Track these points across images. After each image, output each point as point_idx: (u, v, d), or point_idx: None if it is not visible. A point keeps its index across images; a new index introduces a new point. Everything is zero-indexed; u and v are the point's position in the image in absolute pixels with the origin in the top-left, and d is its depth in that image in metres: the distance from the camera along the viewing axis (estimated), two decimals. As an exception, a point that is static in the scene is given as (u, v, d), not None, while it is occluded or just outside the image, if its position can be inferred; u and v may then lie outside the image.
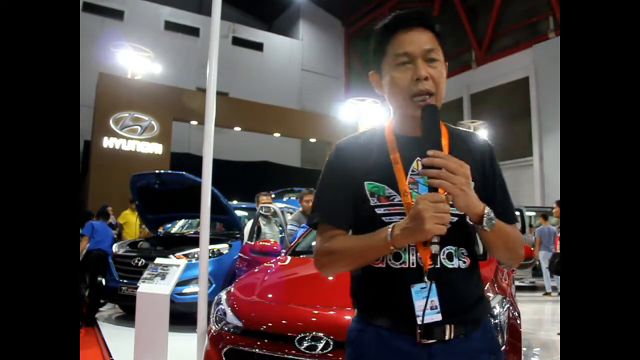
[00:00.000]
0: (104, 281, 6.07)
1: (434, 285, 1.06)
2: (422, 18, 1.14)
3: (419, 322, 1.05)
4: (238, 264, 5.16)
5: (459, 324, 1.10)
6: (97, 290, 5.76)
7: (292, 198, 10.76)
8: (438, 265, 1.09)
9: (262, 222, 5.40)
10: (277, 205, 5.72)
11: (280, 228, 5.36)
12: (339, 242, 1.15)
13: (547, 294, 8.57)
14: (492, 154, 1.21)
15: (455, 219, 1.10)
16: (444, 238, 1.04)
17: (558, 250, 6.53)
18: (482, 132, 13.44)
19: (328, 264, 1.18)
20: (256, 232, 5.28)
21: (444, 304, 1.06)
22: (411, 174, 1.13)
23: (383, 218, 1.12)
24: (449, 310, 1.07)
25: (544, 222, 8.97)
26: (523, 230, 9.15)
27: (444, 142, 1.15)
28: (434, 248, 1.03)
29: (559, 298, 8.38)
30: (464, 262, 1.12)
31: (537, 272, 8.93)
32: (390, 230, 1.04)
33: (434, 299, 1.06)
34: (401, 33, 1.14)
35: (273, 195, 11.22)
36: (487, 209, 1.05)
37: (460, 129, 1.24)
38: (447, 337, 1.08)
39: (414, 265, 1.10)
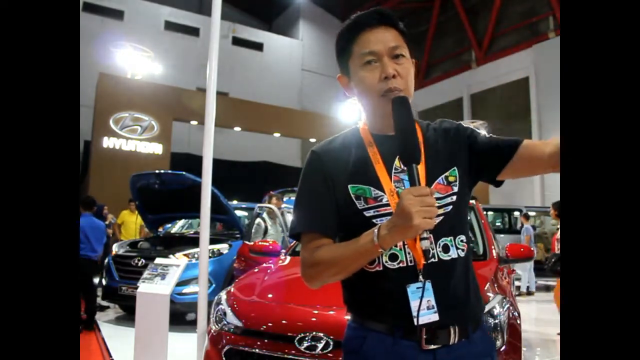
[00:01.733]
0: (104, 282, 6.06)
1: (429, 284, 1.05)
2: (384, 16, 1.14)
3: (415, 323, 1.02)
4: (237, 264, 5.17)
5: (461, 324, 1.08)
6: (92, 293, 5.71)
7: (292, 198, 10.74)
8: (435, 260, 1.07)
9: (269, 221, 5.40)
10: (275, 206, 5.73)
11: (281, 228, 5.37)
12: (324, 252, 1.09)
13: (530, 293, 8.72)
14: (463, 127, 1.21)
15: (450, 207, 1.10)
16: (438, 230, 1.02)
17: (557, 251, 6.56)
18: (482, 132, 13.36)
19: (315, 275, 1.12)
20: (263, 231, 5.29)
21: (444, 298, 1.05)
22: (395, 172, 1.12)
23: (373, 220, 1.09)
24: (448, 304, 1.05)
25: (526, 221, 9.36)
26: (520, 230, 9.34)
27: (419, 135, 1.14)
28: (424, 244, 0.95)
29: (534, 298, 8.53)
30: (463, 251, 1.11)
31: (541, 271, 9.01)
32: (376, 231, 0.99)
33: (430, 299, 1.04)
34: (365, 33, 1.13)
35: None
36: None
37: (427, 121, 1.23)
38: (451, 341, 1.06)
39: (412, 264, 1.07)
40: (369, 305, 1.13)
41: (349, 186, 1.12)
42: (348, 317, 2.13)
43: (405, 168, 1.07)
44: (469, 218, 3.79)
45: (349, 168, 1.14)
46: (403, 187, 1.10)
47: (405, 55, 1.13)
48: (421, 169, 1.09)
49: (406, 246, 1.08)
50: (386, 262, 1.09)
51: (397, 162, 1.12)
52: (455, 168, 1.14)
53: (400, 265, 1.08)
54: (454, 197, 1.11)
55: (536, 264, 8.87)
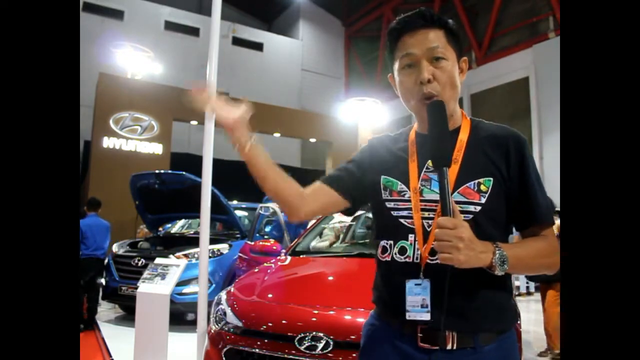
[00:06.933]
0: (103, 281, 6.06)
1: (427, 283, 1.05)
2: (425, 19, 1.13)
3: (407, 318, 1.05)
4: (238, 264, 5.16)
5: (464, 333, 1.05)
6: (96, 292, 5.72)
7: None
8: (440, 262, 1.04)
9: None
10: (277, 206, 5.72)
11: (275, 233, 5.36)
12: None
13: (529, 293, 8.71)
14: (521, 147, 1.13)
15: (470, 216, 1.06)
16: None
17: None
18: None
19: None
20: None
21: (443, 301, 1.02)
22: (425, 171, 1.14)
23: (391, 212, 1.14)
24: (449, 308, 1.02)
25: None
26: None
27: (463, 135, 1.15)
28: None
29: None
30: None
31: None
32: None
33: (426, 298, 1.04)
34: (406, 36, 1.14)
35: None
36: (495, 256, 0.99)
37: (492, 123, 1.21)
38: (449, 347, 1.03)
39: (417, 260, 1.08)
40: (380, 295, 1.19)
41: (382, 177, 1.19)
42: (348, 317, 2.14)
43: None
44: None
45: (389, 161, 1.21)
46: (430, 186, 1.12)
47: (447, 58, 1.12)
48: (453, 168, 1.10)
49: (416, 242, 1.09)
50: (395, 254, 1.12)
51: (430, 162, 1.14)
52: (491, 179, 1.10)
53: (407, 260, 1.10)
54: (477, 208, 1.07)
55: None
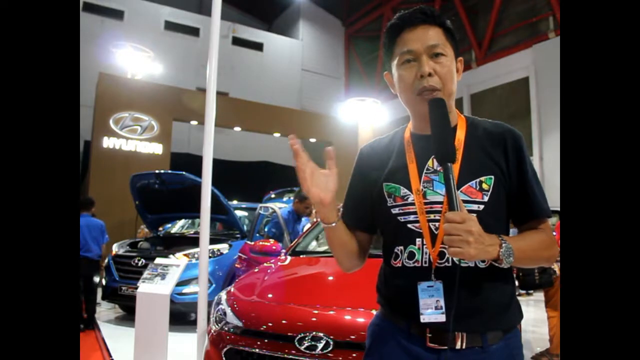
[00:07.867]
0: (103, 281, 6.05)
1: (440, 284, 1.05)
2: (425, 15, 1.14)
3: (422, 321, 1.04)
4: (238, 264, 5.16)
5: (473, 332, 1.05)
6: (92, 292, 5.69)
7: (292, 198, 10.77)
8: (449, 264, 1.06)
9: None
10: (277, 206, 5.72)
11: (274, 230, 5.37)
12: None
13: (529, 293, 8.69)
14: (518, 143, 1.14)
15: (474, 215, 1.05)
16: None
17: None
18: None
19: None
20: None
21: (454, 302, 1.03)
22: (426, 172, 1.13)
23: (398, 218, 1.13)
24: (459, 309, 1.03)
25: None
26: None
27: (460, 133, 1.15)
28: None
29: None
30: (483, 261, 1.07)
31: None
32: None
33: (440, 299, 1.04)
34: (406, 32, 1.14)
35: (273, 195, 11.21)
36: (502, 249, 1.00)
37: (487, 120, 1.22)
38: (458, 346, 1.04)
39: (426, 264, 1.09)
40: (387, 297, 1.18)
41: (384, 184, 1.17)
42: (348, 317, 2.14)
43: (437, 169, 1.10)
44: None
45: (387, 167, 1.19)
46: (432, 187, 1.11)
47: (446, 54, 1.13)
48: (454, 167, 1.09)
49: (424, 246, 1.10)
50: (405, 259, 1.12)
51: (430, 162, 1.13)
52: (492, 177, 1.10)
53: (416, 264, 1.10)
54: (480, 207, 1.08)
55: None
